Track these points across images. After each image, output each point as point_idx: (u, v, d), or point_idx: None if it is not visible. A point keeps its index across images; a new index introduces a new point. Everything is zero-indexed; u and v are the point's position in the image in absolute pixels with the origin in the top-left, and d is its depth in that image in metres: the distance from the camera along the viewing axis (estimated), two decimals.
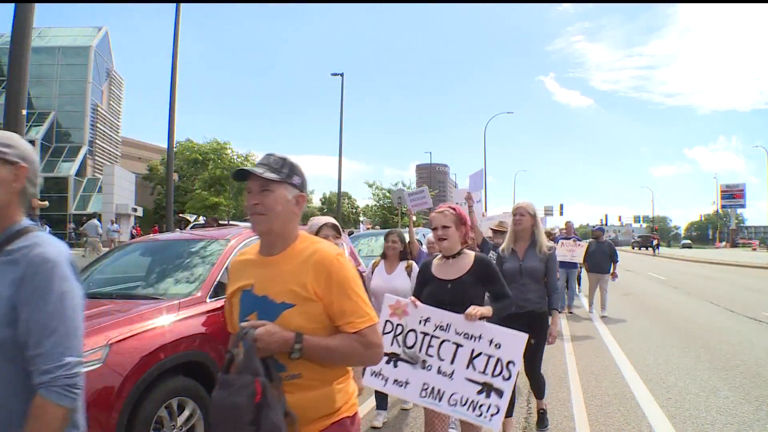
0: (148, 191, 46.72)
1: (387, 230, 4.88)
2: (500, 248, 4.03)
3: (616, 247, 10.41)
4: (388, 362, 2.64)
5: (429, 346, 2.60)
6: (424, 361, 2.59)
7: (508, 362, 2.51)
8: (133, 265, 4.74)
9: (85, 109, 43.94)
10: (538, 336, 3.74)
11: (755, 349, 6.92)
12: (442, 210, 2.90)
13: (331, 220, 3.15)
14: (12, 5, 6.07)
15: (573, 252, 9.72)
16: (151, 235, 11.75)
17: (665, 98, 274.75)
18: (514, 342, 2.52)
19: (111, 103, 49.30)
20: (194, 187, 36.16)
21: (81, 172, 43.12)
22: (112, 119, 49.50)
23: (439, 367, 2.57)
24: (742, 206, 74.36)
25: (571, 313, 10.08)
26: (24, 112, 6.12)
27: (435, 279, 2.90)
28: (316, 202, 59.68)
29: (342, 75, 25.43)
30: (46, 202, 8.90)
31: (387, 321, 2.68)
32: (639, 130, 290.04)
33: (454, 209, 2.89)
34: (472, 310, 2.56)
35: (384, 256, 4.51)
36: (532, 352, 3.70)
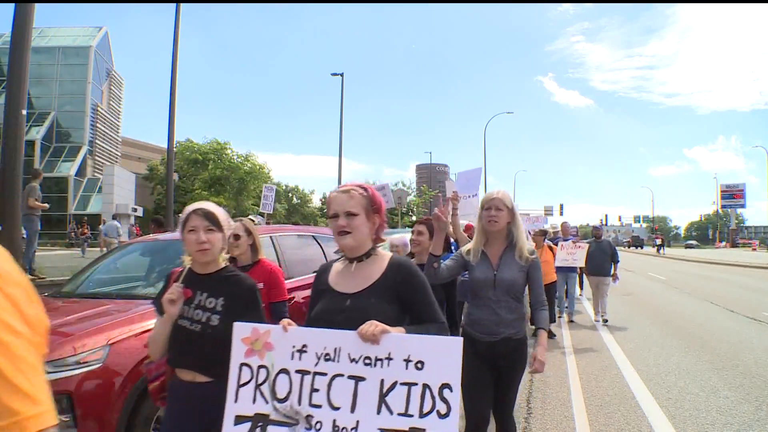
0: (148, 191, 46.77)
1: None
2: (464, 249, 2.99)
3: (616, 247, 9.54)
4: (252, 431, 1.71)
5: (313, 390, 1.68)
6: (308, 417, 1.67)
7: (442, 387, 1.60)
8: (133, 265, 4.74)
9: (85, 109, 43.99)
10: (515, 373, 2.89)
11: (755, 349, 6.92)
12: (347, 189, 1.93)
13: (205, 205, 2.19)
14: (12, 5, 6.08)
15: (574, 255, 8.74)
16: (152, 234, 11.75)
17: (665, 98, 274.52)
18: (443, 353, 1.64)
19: (111, 103, 49.35)
20: (194, 187, 36.24)
21: (81, 172, 43.18)
22: (112, 119, 49.54)
23: (335, 422, 1.65)
24: (742, 206, 74.39)
25: (572, 321, 9.31)
26: (24, 112, 6.13)
27: (330, 291, 1.96)
28: (316, 202, 59.67)
29: (342, 75, 25.46)
30: (47, 204, 8.93)
31: (242, 365, 1.77)
32: (639, 130, 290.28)
33: (365, 189, 1.95)
34: (369, 326, 1.66)
35: None
36: (504, 390, 2.89)
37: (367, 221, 1.92)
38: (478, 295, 2.87)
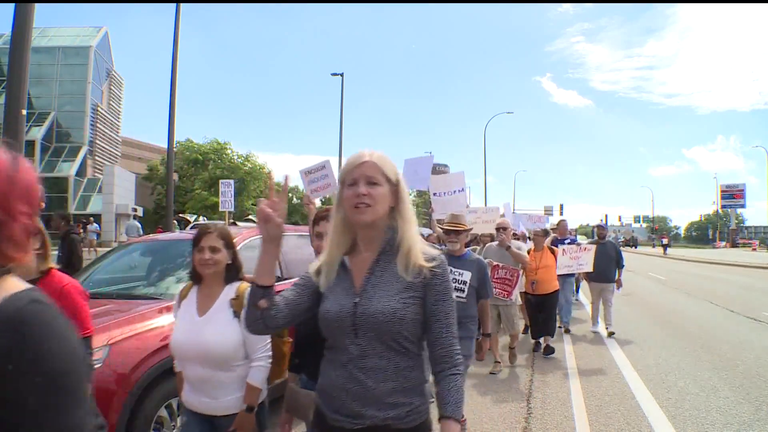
0: (148, 191, 46.70)
1: (204, 225, 2.59)
2: (311, 268, 1.63)
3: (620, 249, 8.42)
4: None
5: None
6: None
7: None
8: (133, 265, 4.75)
9: (85, 109, 43.99)
10: None
11: (755, 349, 6.92)
12: None
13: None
14: (12, 5, 6.08)
15: (579, 260, 7.35)
16: (152, 235, 11.79)
17: (665, 98, 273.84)
18: None
19: (111, 103, 49.36)
20: (194, 187, 36.25)
21: (81, 172, 43.15)
22: (112, 119, 49.55)
23: None
24: (742, 206, 74.15)
25: (568, 331, 8.13)
26: (24, 112, 6.13)
27: None
28: (316, 202, 59.70)
29: (342, 75, 25.48)
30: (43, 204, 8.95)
31: None
32: (639, 130, 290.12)
33: None
34: None
35: (196, 277, 2.35)
36: None
37: None
38: (332, 343, 1.55)
